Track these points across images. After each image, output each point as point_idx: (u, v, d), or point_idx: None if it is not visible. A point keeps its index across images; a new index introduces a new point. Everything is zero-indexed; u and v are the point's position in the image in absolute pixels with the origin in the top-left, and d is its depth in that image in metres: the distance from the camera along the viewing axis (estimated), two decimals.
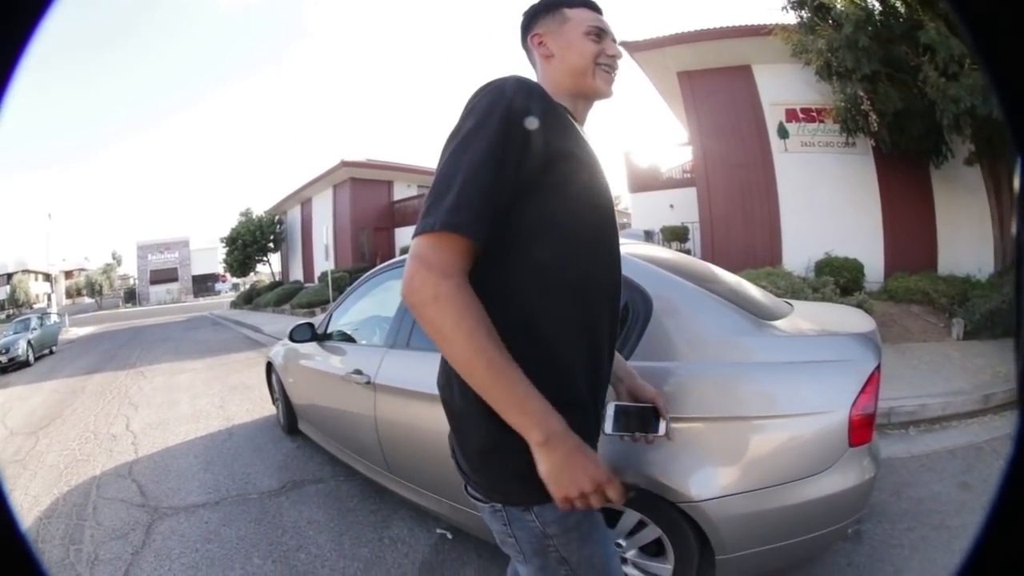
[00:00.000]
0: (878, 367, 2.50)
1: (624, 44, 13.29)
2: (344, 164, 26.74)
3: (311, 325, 4.95)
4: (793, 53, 11.90)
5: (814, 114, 13.20)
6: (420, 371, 3.25)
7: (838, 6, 10.86)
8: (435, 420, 2.81)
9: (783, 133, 13.48)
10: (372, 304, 4.73)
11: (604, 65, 1.53)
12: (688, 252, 15.76)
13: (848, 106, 11.32)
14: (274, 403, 6.67)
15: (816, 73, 11.72)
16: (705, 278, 3.00)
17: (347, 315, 4.92)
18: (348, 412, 4.23)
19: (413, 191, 28.95)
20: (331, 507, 4.34)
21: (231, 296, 42.71)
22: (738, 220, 13.64)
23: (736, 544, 2.42)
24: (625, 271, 1.79)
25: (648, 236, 17.30)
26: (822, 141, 13.27)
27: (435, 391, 2.09)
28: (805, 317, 3.08)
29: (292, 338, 4.96)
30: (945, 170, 12.16)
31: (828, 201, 13.14)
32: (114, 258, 74.47)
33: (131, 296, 69.17)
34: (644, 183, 19.97)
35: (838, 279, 10.71)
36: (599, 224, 1.41)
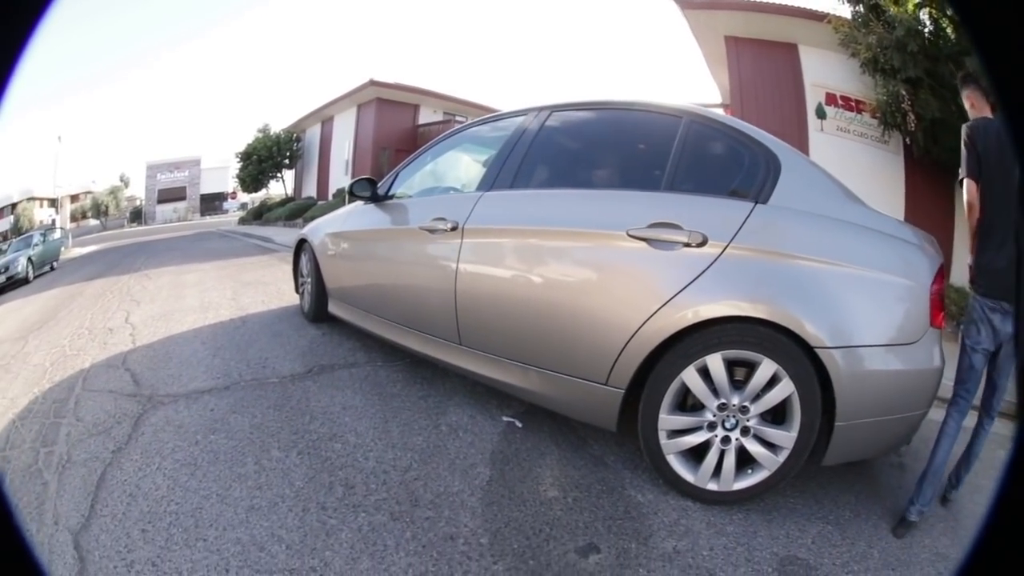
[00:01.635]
0: (943, 264, 2.80)
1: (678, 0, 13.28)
2: (372, 83, 26.14)
3: (372, 181, 4.50)
4: (841, 43, 11.91)
5: (853, 103, 13.03)
6: (534, 209, 3.23)
7: (892, 10, 10.90)
8: (552, 264, 3.06)
9: (821, 113, 13.24)
10: (447, 167, 4.54)
11: None
12: None
13: (890, 101, 11.30)
14: (298, 290, 6.07)
15: (862, 65, 11.65)
16: None
17: (417, 176, 4.56)
18: (413, 274, 3.89)
19: (439, 116, 28.27)
20: (370, 392, 3.75)
21: (239, 215, 41.89)
22: None
23: (854, 408, 2.50)
24: (755, 135, 3.01)
25: None
26: (857, 131, 13.10)
27: (560, 226, 2.92)
28: None
29: (352, 192, 4.47)
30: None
31: (856, 189, 12.40)
32: (122, 180, 71.07)
33: (137, 216, 66.81)
34: None
35: None
36: None
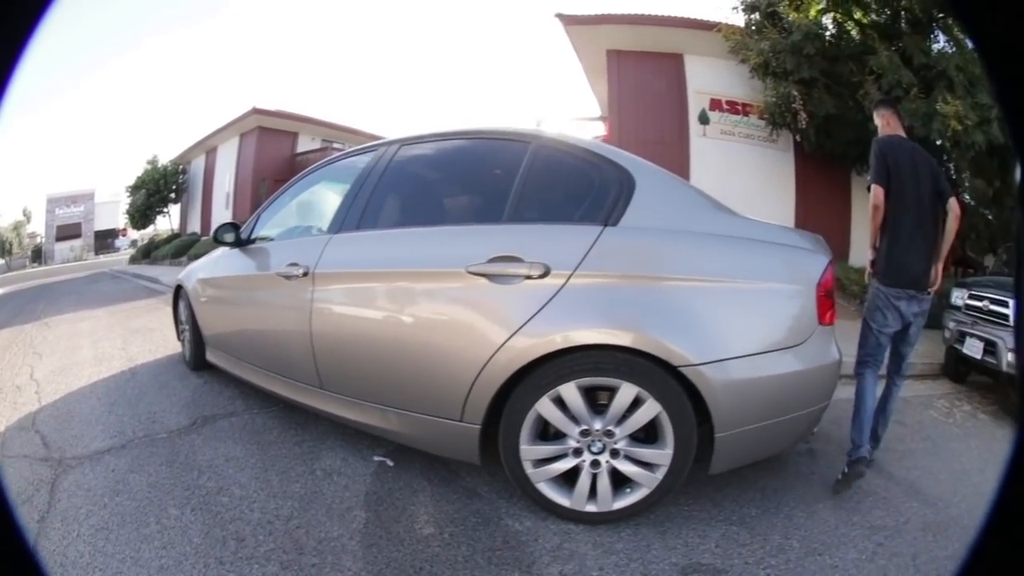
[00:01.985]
0: (831, 261, 2.79)
1: (560, 16, 13.43)
2: (255, 111, 25.16)
3: (235, 225, 4.44)
4: (731, 50, 12.28)
5: (739, 107, 13.55)
6: (377, 250, 3.19)
7: (791, 16, 11.25)
8: (397, 305, 3.01)
9: (704, 119, 13.68)
10: (306, 205, 4.48)
11: None
12: None
13: (779, 102, 11.65)
14: (179, 337, 5.93)
15: (752, 70, 12.03)
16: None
17: (278, 216, 4.48)
18: (274, 320, 3.81)
19: (316, 144, 27.33)
20: (248, 441, 3.75)
21: (131, 252, 39.84)
22: None
23: (734, 418, 2.48)
24: (607, 155, 2.97)
25: None
26: (743, 132, 13.65)
27: (401, 267, 2.97)
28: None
29: (216, 238, 4.40)
30: (866, 176, 12.47)
31: (741, 188, 12.87)
32: (24, 215, 68.27)
33: (37, 255, 63.41)
34: None
35: None
36: None
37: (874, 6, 11.97)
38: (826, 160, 12.62)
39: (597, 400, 2.58)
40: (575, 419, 2.57)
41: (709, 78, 13.70)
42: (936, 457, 4.31)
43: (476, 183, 3.54)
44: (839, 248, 12.79)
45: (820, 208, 13.27)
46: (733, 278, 2.57)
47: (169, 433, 4.02)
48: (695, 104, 13.76)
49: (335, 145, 25.70)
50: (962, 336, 6.88)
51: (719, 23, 12.51)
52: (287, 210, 4.48)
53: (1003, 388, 6.85)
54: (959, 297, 7.39)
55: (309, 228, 4.15)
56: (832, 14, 12.31)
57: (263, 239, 4.33)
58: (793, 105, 11.39)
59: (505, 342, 2.54)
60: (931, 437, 4.88)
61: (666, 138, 13.69)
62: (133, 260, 33.48)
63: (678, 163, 13.37)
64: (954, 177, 14.24)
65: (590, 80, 16.75)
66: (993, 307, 6.63)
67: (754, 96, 12.68)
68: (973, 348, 6.58)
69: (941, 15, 11.28)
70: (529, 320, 2.52)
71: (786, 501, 3.05)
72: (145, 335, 8.11)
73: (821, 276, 2.69)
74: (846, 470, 3.24)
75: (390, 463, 3.34)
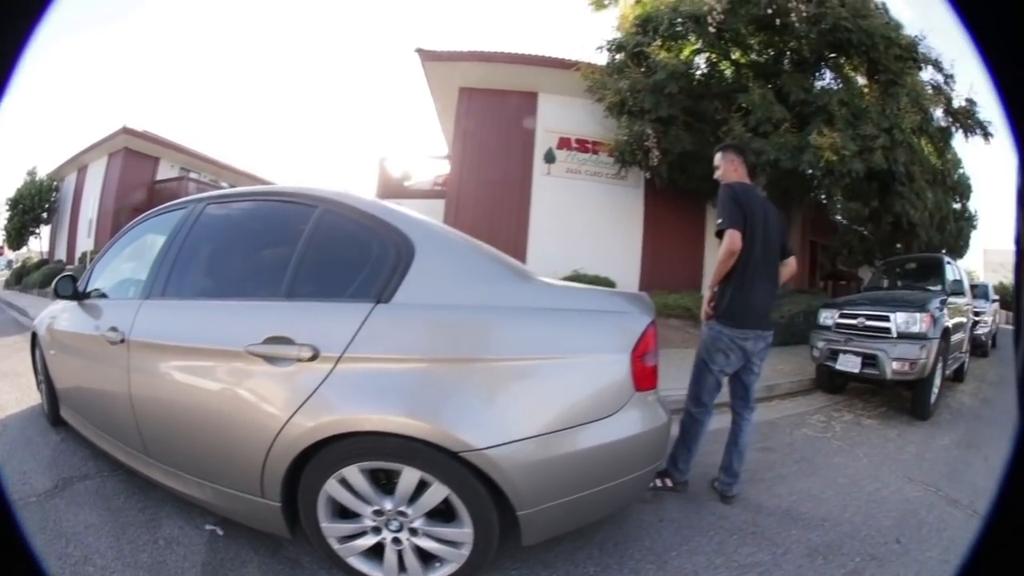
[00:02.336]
0: (653, 322, 2.63)
1: (420, 51, 13.26)
2: (125, 131, 23.27)
3: (74, 278, 4.18)
4: (588, 89, 12.33)
5: (589, 145, 13.77)
6: (176, 322, 3.04)
7: (658, 56, 11.19)
8: (194, 380, 2.84)
9: (549, 158, 13.85)
10: (132, 257, 4.14)
11: None
12: None
13: (631, 141, 11.70)
14: (38, 387, 5.50)
15: (607, 109, 12.06)
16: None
17: (107, 269, 4.22)
18: (105, 382, 3.50)
19: (175, 172, 25.40)
20: (102, 507, 3.52)
21: (6, 275, 36.74)
22: (483, 235, 12.55)
23: (536, 496, 2.32)
24: (388, 218, 2.70)
25: None
26: (590, 171, 13.89)
27: (194, 343, 2.69)
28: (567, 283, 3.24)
29: (56, 292, 4.13)
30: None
31: (586, 225, 13.64)
32: None
33: None
34: (394, 191, 20.27)
35: None
36: None
37: (756, 47, 12.24)
38: (679, 194, 12.86)
39: (392, 479, 2.45)
40: (366, 500, 2.47)
41: (561, 117, 13.82)
42: (816, 476, 4.25)
43: (263, 251, 3.31)
44: (692, 278, 13.58)
45: (671, 241, 13.65)
46: (523, 354, 2.40)
47: (39, 496, 3.74)
48: (543, 143, 13.85)
49: (191, 175, 24.46)
50: (834, 354, 7.18)
51: (578, 62, 12.58)
52: (119, 261, 4.23)
53: (889, 391, 7.20)
54: (828, 317, 7.66)
55: (133, 286, 3.87)
56: (707, 54, 12.56)
57: (97, 293, 4.10)
58: (645, 143, 11.41)
59: (285, 424, 2.43)
60: (807, 457, 4.78)
61: (508, 179, 13.75)
62: (7, 285, 30.90)
63: (517, 204, 13.84)
64: (824, 201, 15.13)
65: (441, 119, 16.56)
66: (871, 323, 6.94)
67: (605, 135, 12.77)
68: (849, 364, 6.90)
69: (832, 55, 11.59)
70: (304, 404, 2.40)
71: (631, 554, 2.92)
72: (12, 380, 7.25)
73: (636, 342, 2.51)
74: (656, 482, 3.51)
75: (220, 532, 3.16)
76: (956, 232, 22.87)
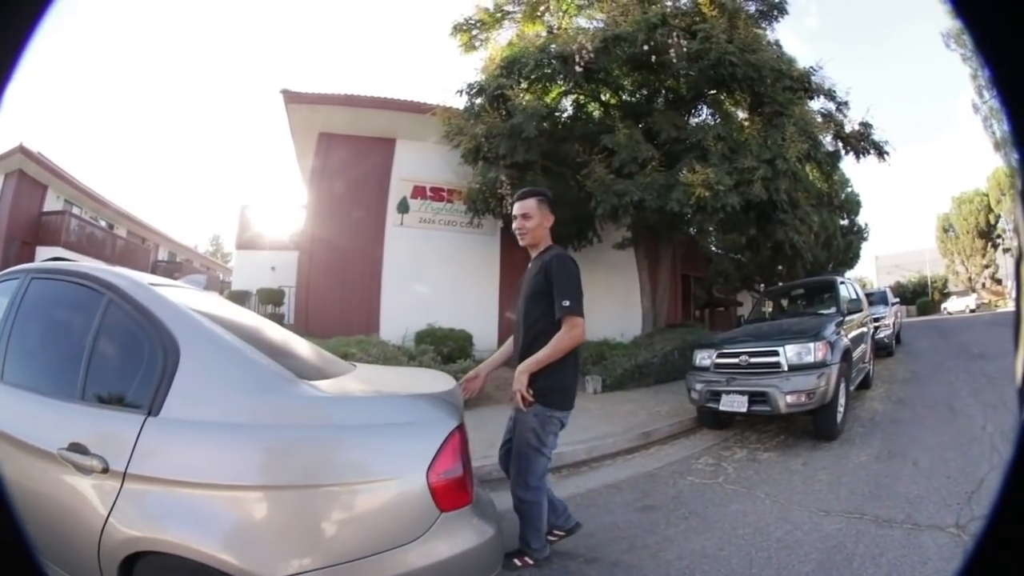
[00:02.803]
0: (459, 427, 2.34)
1: (284, 93, 12.53)
2: (21, 151, 19.98)
3: None
4: (445, 134, 11.79)
5: (444, 193, 13.41)
6: (9, 410, 2.67)
7: (519, 99, 10.71)
8: (21, 471, 2.50)
9: (403, 208, 13.43)
10: None
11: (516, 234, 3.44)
12: (281, 317, 16.11)
13: (483, 188, 11.25)
14: None
15: (462, 156, 11.55)
16: (248, 332, 2.68)
17: None
18: None
19: (59, 205, 22.39)
20: None
21: None
22: (336, 288, 12.98)
23: None
24: (158, 312, 2.38)
25: (211, 283, 16.59)
26: (444, 220, 13.57)
27: (25, 438, 2.47)
28: (367, 379, 2.95)
29: None
30: (587, 252, 13.10)
31: (439, 276, 13.19)
32: None
33: None
34: (251, 241, 19.80)
35: (441, 348, 10.69)
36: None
37: (629, 87, 12.13)
38: None
39: None
40: None
41: (417, 164, 13.44)
42: (710, 532, 3.72)
43: (67, 342, 2.93)
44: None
45: None
46: (304, 481, 2.11)
47: None
48: (398, 191, 13.41)
49: (74, 210, 22.32)
50: (715, 395, 6.70)
51: (434, 106, 12.01)
52: None
53: (783, 417, 6.46)
54: (705, 358, 7.21)
55: None
56: (574, 96, 12.36)
57: None
58: (499, 190, 10.85)
59: (101, 533, 2.19)
60: (696, 511, 4.16)
61: (361, 230, 13.24)
62: None
63: (370, 256, 13.21)
64: (695, 235, 15.13)
65: (300, 163, 15.78)
66: (756, 359, 6.55)
67: (460, 182, 12.43)
68: (734, 404, 6.40)
69: (712, 91, 11.61)
70: (108, 516, 2.17)
71: None
72: None
73: (432, 458, 2.21)
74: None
75: None
76: (845, 246, 23.80)
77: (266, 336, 2.82)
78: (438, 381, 2.93)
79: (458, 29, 13.03)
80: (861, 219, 26.25)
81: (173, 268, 29.15)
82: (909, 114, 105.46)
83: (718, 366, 6.95)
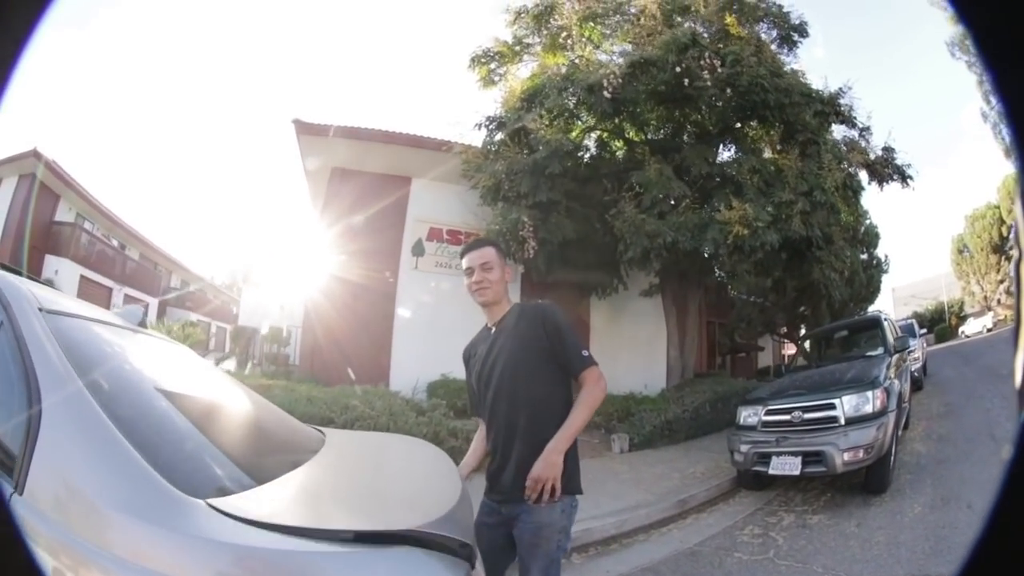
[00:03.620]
0: None
1: (296, 123, 11.74)
2: (35, 155, 19.05)
3: None
4: (463, 173, 11.02)
5: (462, 236, 12.38)
6: None
7: (542, 133, 9.94)
8: None
9: (418, 250, 12.56)
10: None
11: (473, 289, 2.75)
12: (287, 357, 15.74)
13: (503, 231, 10.13)
14: None
15: (480, 196, 10.78)
16: (173, 394, 1.92)
17: None
18: None
19: (71, 217, 21.60)
20: None
21: None
22: (345, 332, 11.91)
23: None
24: (32, 348, 1.63)
25: (145, 315, 15.14)
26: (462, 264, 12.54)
27: None
28: (328, 474, 2.03)
29: None
30: (611, 300, 12.62)
31: (455, 323, 11.26)
32: None
33: None
34: (258, 278, 19.01)
35: (454, 401, 9.29)
36: None
37: (654, 122, 11.44)
38: (557, 286, 11.76)
39: None
40: None
41: (433, 205, 12.61)
42: None
43: None
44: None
45: None
46: None
47: None
48: (413, 233, 12.55)
49: (86, 225, 21.68)
50: (764, 457, 6.00)
51: (449, 142, 11.27)
52: None
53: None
54: (751, 415, 6.44)
55: None
56: (598, 133, 11.73)
57: None
58: (521, 233, 9.92)
59: None
60: None
61: (373, 273, 12.26)
62: None
63: (383, 301, 12.41)
64: (726, 280, 14.39)
65: (315, 202, 14.97)
66: (810, 415, 5.82)
67: (479, 225, 11.43)
68: (786, 466, 5.70)
69: (739, 124, 10.94)
70: None
71: None
72: None
73: None
74: None
75: None
76: (866, 281, 23.01)
77: (198, 400, 2.15)
78: (437, 473, 2.30)
79: (476, 62, 12.27)
80: (879, 251, 25.50)
81: (185, 298, 29.30)
82: (918, 135, 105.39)
83: (766, 424, 6.23)
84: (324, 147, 12.25)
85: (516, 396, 2.53)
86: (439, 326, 11.78)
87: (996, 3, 0.67)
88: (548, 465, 2.29)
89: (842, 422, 5.58)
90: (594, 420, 9.07)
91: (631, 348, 13.04)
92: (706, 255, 9.51)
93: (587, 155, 11.37)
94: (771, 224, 8.96)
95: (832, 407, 5.71)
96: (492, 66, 12.32)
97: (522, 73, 12.23)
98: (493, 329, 2.73)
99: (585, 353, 2.52)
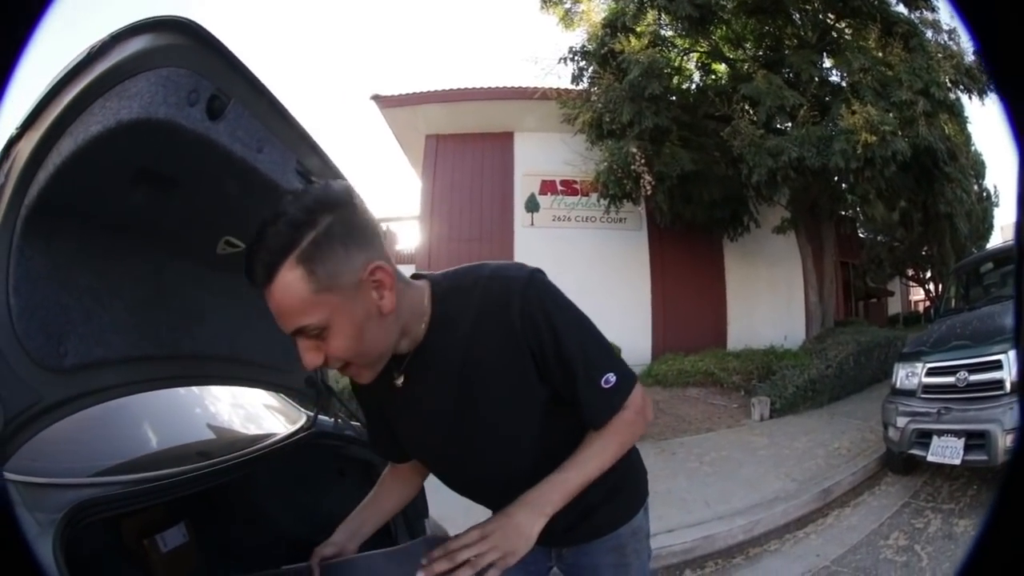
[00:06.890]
0: None
1: (376, 98, 11.18)
2: None
3: None
4: (563, 119, 10.08)
5: (576, 187, 11.40)
6: None
7: (630, 46, 8.85)
8: None
9: (532, 206, 11.59)
10: None
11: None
12: None
13: (615, 167, 9.14)
14: None
15: (583, 132, 9.80)
16: None
17: None
18: None
19: None
20: None
21: None
22: None
23: None
24: None
25: None
26: (581, 216, 11.59)
27: None
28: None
29: None
30: (743, 243, 11.43)
31: (580, 280, 10.00)
32: None
33: None
34: None
35: None
36: None
37: (751, 40, 10.29)
38: (688, 231, 10.71)
39: None
40: None
41: (542, 156, 11.60)
42: None
43: None
44: (714, 333, 11.29)
45: (686, 289, 11.60)
46: None
47: None
48: (524, 189, 11.65)
49: None
50: (924, 436, 4.38)
51: (539, 88, 10.38)
52: None
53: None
54: (910, 375, 4.76)
55: None
56: (697, 55, 10.71)
57: None
58: (634, 168, 8.87)
59: None
60: None
61: (484, 234, 11.54)
62: None
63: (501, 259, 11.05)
64: (855, 211, 12.79)
65: (416, 170, 14.06)
66: (975, 376, 4.17)
67: (593, 172, 10.27)
68: (947, 452, 4.10)
69: (834, 28, 9.78)
70: None
71: None
72: None
73: None
74: None
75: None
76: (981, 215, 20.54)
77: None
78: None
79: (548, 1, 11.00)
80: (988, 182, 22.82)
81: None
82: None
83: (927, 388, 4.58)
84: (411, 117, 11.64)
85: (508, 458, 1.39)
86: (562, 284, 10.69)
87: (996, 3, 0.62)
88: (517, 527, 1.13)
89: (1007, 388, 3.95)
90: (732, 381, 8.53)
91: (769, 294, 12.01)
92: (835, 177, 8.54)
93: (692, 84, 10.60)
94: (898, 129, 7.82)
95: (998, 365, 4.04)
96: (566, 4, 10.97)
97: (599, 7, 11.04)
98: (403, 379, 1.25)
99: (612, 376, 1.25)
